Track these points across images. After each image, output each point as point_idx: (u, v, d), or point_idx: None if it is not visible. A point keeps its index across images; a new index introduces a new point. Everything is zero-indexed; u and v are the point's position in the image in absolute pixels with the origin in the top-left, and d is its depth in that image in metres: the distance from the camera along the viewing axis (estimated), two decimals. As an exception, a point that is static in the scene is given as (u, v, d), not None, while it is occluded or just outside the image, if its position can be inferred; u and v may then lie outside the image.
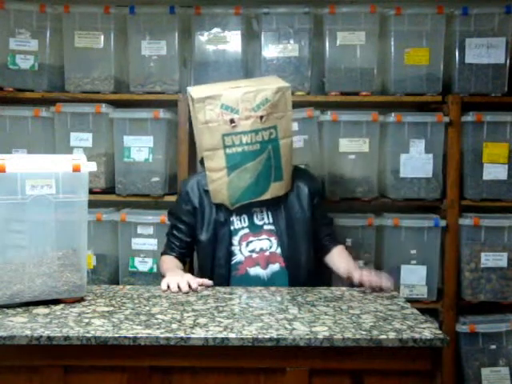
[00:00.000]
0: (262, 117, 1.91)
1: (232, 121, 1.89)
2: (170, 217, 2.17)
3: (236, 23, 2.67)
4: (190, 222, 2.07)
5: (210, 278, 1.95)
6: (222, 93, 1.91)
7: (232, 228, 2.03)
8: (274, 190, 1.99)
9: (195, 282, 1.81)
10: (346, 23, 2.62)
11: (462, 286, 2.62)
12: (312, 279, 2.01)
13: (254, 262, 2.00)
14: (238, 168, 1.94)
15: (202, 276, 2.04)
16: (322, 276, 2.18)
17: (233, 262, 2.01)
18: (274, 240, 2.02)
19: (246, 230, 2.03)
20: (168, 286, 1.81)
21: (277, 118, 1.94)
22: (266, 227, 2.04)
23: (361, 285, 1.85)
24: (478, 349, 2.62)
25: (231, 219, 2.03)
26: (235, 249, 2.02)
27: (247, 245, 2.02)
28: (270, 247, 2.02)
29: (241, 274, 2.01)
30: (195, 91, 1.97)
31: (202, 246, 2.05)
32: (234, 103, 1.89)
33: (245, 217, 2.04)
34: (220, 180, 1.96)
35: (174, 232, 2.11)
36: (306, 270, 2.02)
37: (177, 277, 1.85)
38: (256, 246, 2.02)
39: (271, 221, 2.03)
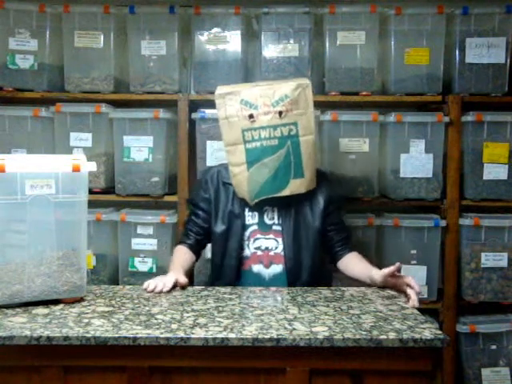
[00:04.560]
0: (280, 112, 1.93)
1: (251, 116, 1.93)
2: (189, 204, 2.22)
3: (236, 23, 2.67)
4: (208, 210, 2.09)
5: (220, 268, 2.03)
6: (241, 89, 1.96)
7: (244, 222, 2.05)
8: (294, 186, 1.99)
9: (168, 286, 1.80)
10: (346, 23, 2.62)
11: (462, 286, 2.62)
12: (312, 285, 1.99)
13: (257, 260, 2.03)
14: (257, 163, 1.96)
15: (212, 266, 2.09)
16: (324, 282, 2.15)
17: (240, 256, 2.04)
18: (280, 241, 2.03)
19: (255, 227, 2.05)
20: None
21: (297, 114, 1.95)
22: (274, 227, 2.05)
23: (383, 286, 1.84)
24: (478, 349, 2.62)
25: (244, 213, 2.06)
26: (244, 243, 2.04)
27: (254, 241, 2.04)
28: (276, 248, 2.04)
29: (244, 269, 2.03)
30: (219, 89, 2.01)
31: (215, 237, 2.07)
32: (253, 99, 1.93)
33: (256, 214, 2.06)
34: (240, 174, 1.99)
35: (192, 218, 2.13)
36: (306, 276, 2.02)
37: (160, 277, 1.86)
38: (262, 244, 2.04)
39: (280, 222, 2.04)
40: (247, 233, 2.05)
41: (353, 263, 2.03)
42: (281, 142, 1.95)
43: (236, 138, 1.96)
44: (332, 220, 2.08)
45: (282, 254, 2.02)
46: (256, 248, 2.04)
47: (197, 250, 2.11)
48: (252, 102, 1.92)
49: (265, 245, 2.04)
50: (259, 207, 2.04)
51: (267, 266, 2.02)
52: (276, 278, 2.01)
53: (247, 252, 2.04)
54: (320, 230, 2.06)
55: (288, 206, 2.04)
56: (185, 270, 1.96)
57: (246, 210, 2.06)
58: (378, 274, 1.84)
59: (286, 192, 1.99)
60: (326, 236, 2.08)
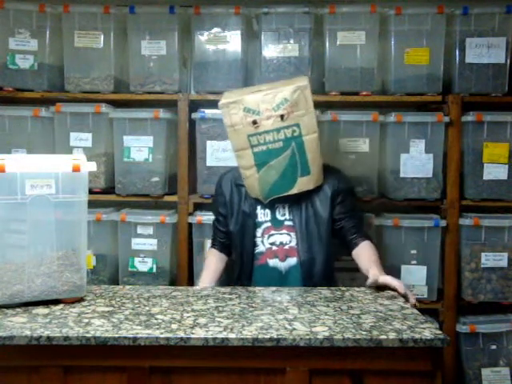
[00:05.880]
0: (282, 116, 1.99)
1: (254, 122, 2.00)
2: (212, 211, 2.36)
3: (236, 23, 2.66)
4: (226, 213, 2.21)
5: (241, 265, 2.14)
6: (243, 97, 2.02)
7: (256, 220, 2.14)
8: (302, 184, 2.06)
9: None
10: (346, 23, 2.61)
11: (462, 286, 2.62)
12: (326, 278, 2.06)
13: (273, 254, 2.11)
14: (265, 165, 2.05)
15: (235, 263, 2.21)
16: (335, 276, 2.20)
17: (255, 252, 2.12)
18: (293, 235, 2.10)
19: (269, 224, 2.13)
20: None
21: (298, 115, 2.00)
22: (286, 222, 2.12)
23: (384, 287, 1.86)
24: (478, 349, 2.62)
25: (256, 212, 2.14)
26: (258, 240, 2.13)
27: (268, 237, 2.12)
28: (290, 241, 2.11)
29: (261, 264, 2.11)
30: (223, 98, 2.07)
31: (233, 236, 2.18)
32: (255, 105, 1.99)
33: (268, 211, 2.14)
34: (252, 177, 2.08)
35: (216, 224, 2.28)
36: (319, 269, 2.08)
37: None
38: (276, 239, 2.11)
39: (291, 217, 2.11)
40: (260, 230, 2.13)
41: (361, 256, 2.05)
42: (285, 143, 2.01)
43: (243, 143, 2.03)
44: (341, 209, 2.13)
45: (296, 247, 2.09)
46: (271, 243, 2.11)
47: (226, 250, 2.26)
48: (254, 109, 1.99)
49: (279, 240, 2.11)
50: (271, 205, 2.13)
51: (283, 260, 2.10)
52: (291, 271, 2.09)
53: (262, 248, 2.12)
54: (330, 220, 2.11)
55: (298, 201, 2.11)
56: (216, 274, 2.18)
57: (258, 208, 2.14)
58: (368, 280, 1.88)
59: (294, 190, 2.06)
60: (338, 225, 2.12)
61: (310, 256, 2.07)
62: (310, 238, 2.08)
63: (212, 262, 2.22)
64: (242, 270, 2.14)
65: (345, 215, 2.12)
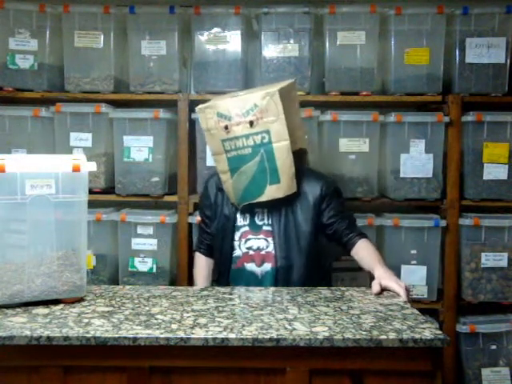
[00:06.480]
0: (251, 122, 1.97)
1: (226, 127, 2.00)
2: (199, 212, 2.36)
3: (236, 23, 2.67)
4: (211, 216, 2.21)
5: (219, 267, 2.16)
6: (217, 102, 2.03)
7: (235, 224, 2.13)
8: (271, 192, 2.03)
9: None
10: (346, 23, 2.62)
11: (462, 286, 2.62)
12: (307, 286, 1.98)
13: (250, 259, 2.09)
14: (237, 171, 2.04)
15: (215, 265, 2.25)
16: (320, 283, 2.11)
17: (233, 256, 2.12)
18: (270, 241, 2.08)
19: (247, 228, 2.11)
20: None
21: (268, 122, 1.96)
22: (264, 228, 2.10)
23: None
24: (478, 349, 2.62)
25: (236, 216, 2.13)
26: (236, 244, 2.11)
27: (246, 242, 2.10)
28: (267, 247, 2.08)
29: (237, 268, 2.10)
30: (202, 104, 2.07)
31: (214, 238, 2.19)
32: (226, 111, 1.99)
33: (247, 215, 2.12)
34: (227, 182, 2.08)
35: (202, 225, 2.28)
36: (297, 276, 2.04)
37: None
38: (253, 244, 2.10)
39: (270, 222, 2.09)
40: (238, 233, 2.11)
41: (361, 255, 2.02)
42: (254, 150, 1.99)
43: (218, 148, 2.05)
44: (330, 213, 2.09)
45: (273, 252, 2.07)
46: (248, 248, 2.10)
47: (212, 252, 2.25)
48: (226, 114, 1.99)
49: (256, 245, 2.09)
50: (250, 209, 2.11)
51: (259, 265, 2.08)
52: (267, 276, 2.07)
53: (239, 252, 2.11)
54: (314, 229, 2.07)
55: (278, 206, 2.07)
56: (209, 281, 2.25)
57: (238, 212, 2.13)
58: (373, 283, 1.86)
59: (262, 198, 2.04)
60: (330, 229, 2.09)
61: (288, 263, 2.04)
62: (287, 244, 2.05)
63: (203, 269, 2.26)
64: (221, 273, 2.15)
65: (335, 218, 2.08)
